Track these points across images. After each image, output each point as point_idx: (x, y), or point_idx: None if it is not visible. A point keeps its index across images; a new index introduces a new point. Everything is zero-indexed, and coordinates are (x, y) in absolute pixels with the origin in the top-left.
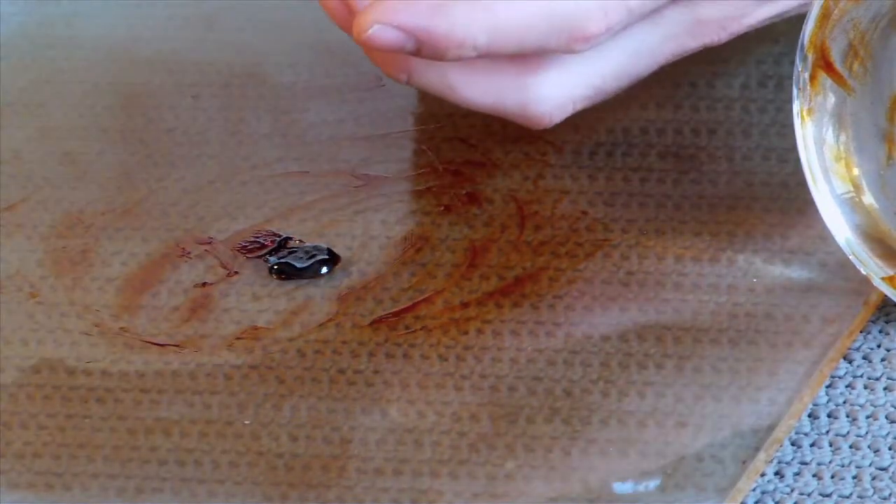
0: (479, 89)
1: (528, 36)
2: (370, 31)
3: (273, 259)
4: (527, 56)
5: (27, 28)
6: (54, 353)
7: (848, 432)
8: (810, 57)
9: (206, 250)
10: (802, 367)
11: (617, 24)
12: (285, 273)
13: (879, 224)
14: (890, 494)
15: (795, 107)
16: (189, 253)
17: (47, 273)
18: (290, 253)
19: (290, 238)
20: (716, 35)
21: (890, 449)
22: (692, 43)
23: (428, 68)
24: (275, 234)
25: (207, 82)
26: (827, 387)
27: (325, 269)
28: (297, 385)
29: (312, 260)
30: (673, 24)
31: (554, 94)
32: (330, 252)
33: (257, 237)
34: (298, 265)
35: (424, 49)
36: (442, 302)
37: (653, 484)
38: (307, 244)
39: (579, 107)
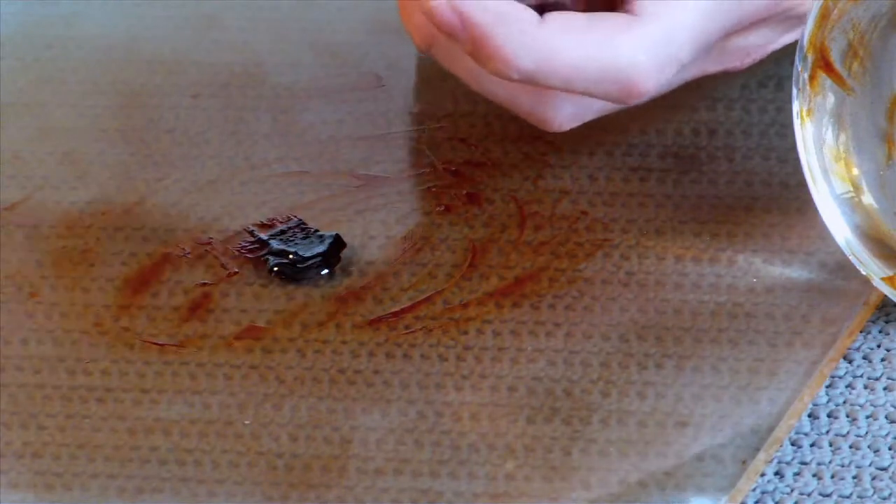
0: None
1: (578, 80)
2: (434, 4)
3: (273, 259)
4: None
5: (27, 28)
6: (54, 353)
7: (848, 432)
8: (810, 57)
9: (206, 250)
10: (802, 367)
11: (667, 80)
12: (285, 273)
13: (879, 224)
14: (890, 494)
15: (795, 107)
16: (189, 253)
17: (47, 273)
18: (301, 237)
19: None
20: (739, 62)
21: (890, 449)
22: (713, 68)
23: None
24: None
25: (207, 82)
26: (827, 387)
27: (325, 270)
28: (297, 385)
29: (319, 247)
30: None
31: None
32: (337, 238)
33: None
34: (300, 258)
35: (470, 47)
36: (442, 302)
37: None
38: (317, 231)
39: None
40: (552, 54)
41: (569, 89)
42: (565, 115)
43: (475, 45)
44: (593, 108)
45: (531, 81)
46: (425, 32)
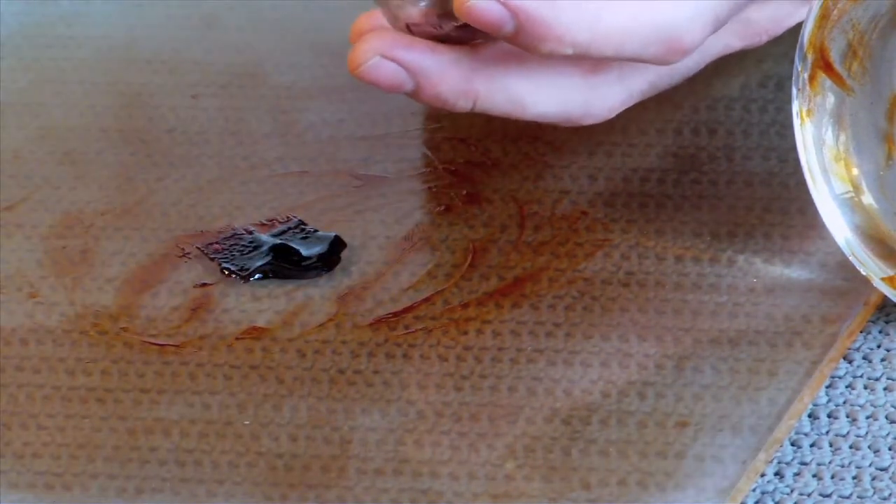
0: (547, 99)
1: (629, 43)
2: (476, 3)
3: (272, 259)
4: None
5: (27, 28)
6: (54, 352)
7: (848, 432)
8: (810, 57)
9: (203, 252)
10: (802, 367)
11: (707, 36)
12: (285, 273)
13: (879, 224)
14: (890, 495)
15: (795, 107)
16: (189, 253)
17: (47, 273)
18: (300, 237)
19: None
20: (758, 38)
21: (890, 449)
22: (737, 44)
23: (493, 87)
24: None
25: (207, 82)
26: (827, 387)
27: (325, 270)
28: (297, 385)
29: (319, 247)
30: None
31: (615, 92)
32: (337, 239)
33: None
34: (300, 258)
35: (522, 34)
36: (442, 302)
37: None
38: (317, 231)
39: (635, 101)
40: (602, 22)
41: (619, 56)
42: (615, 101)
43: (526, 31)
44: (639, 90)
45: (585, 54)
46: (464, 91)
